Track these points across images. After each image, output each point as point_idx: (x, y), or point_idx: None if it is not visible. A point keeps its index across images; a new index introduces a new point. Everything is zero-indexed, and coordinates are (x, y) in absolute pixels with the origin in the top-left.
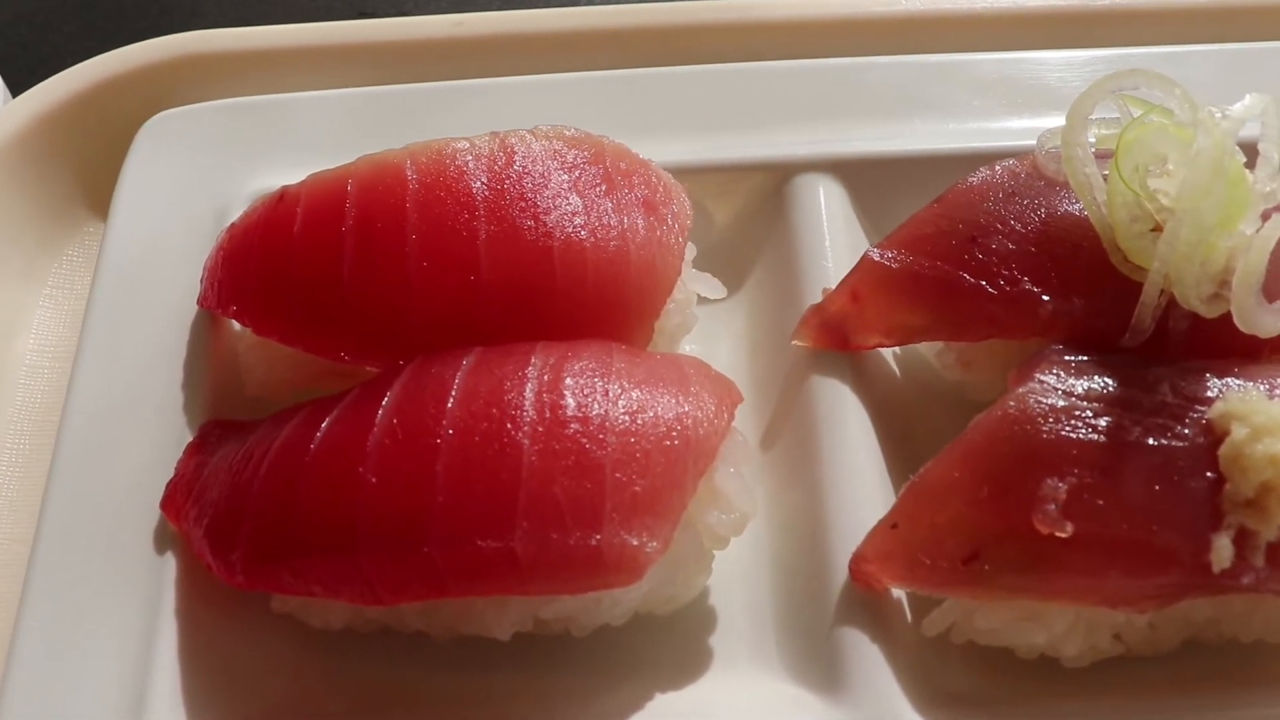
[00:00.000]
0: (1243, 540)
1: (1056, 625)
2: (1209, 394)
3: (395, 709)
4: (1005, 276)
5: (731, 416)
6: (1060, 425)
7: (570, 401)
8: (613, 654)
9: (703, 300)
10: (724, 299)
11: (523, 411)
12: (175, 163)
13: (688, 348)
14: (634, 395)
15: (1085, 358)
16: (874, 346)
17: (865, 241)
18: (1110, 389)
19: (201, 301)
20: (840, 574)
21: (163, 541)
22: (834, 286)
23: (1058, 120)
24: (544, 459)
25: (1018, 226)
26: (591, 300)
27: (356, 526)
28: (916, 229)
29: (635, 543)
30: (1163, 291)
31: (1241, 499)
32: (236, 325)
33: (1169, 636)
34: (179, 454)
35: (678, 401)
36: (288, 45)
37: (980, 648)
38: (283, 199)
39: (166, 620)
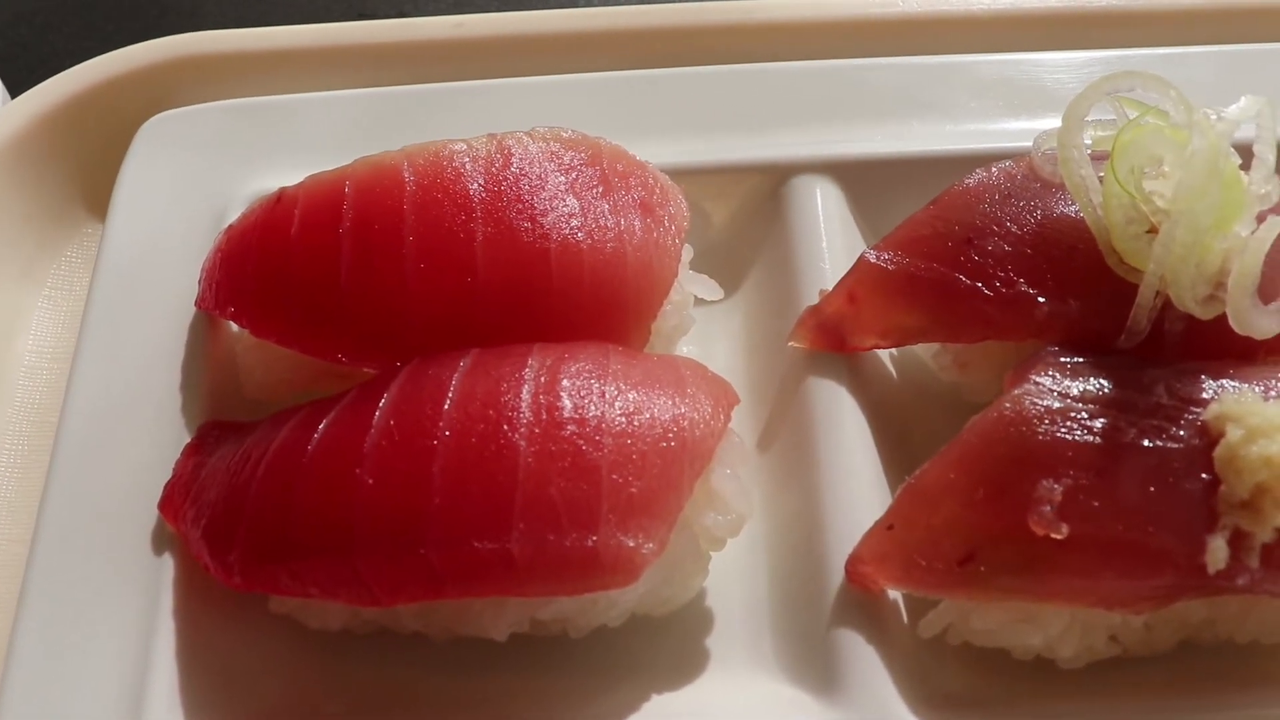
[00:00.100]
0: (1238, 541)
1: (1052, 626)
2: (1204, 395)
3: (393, 710)
4: (1001, 278)
5: (728, 418)
6: (1056, 427)
7: (567, 403)
8: (609, 655)
9: (699, 302)
10: (721, 300)
11: (519, 413)
12: (174, 164)
13: (684, 349)
14: (630, 397)
15: (1081, 359)
16: (870, 348)
17: (862, 243)
18: (1106, 391)
19: (200, 303)
20: (836, 575)
21: (161, 542)
22: (831, 288)
23: (1054, 122)
24: (540, 460)
25: (1014, 228)
26: (588, 302)
27: (354, 528)
28: (913, 230)
29: (632, 544)
30: (1158, 293)
31: (1236, 500)
32: (235, 326)
33: (1164, 637)
34: (177, 455)
35: (674, 403)
36: (287, 46)
37: (976, 649)
38: (280, 200)
39: (165, 621)
